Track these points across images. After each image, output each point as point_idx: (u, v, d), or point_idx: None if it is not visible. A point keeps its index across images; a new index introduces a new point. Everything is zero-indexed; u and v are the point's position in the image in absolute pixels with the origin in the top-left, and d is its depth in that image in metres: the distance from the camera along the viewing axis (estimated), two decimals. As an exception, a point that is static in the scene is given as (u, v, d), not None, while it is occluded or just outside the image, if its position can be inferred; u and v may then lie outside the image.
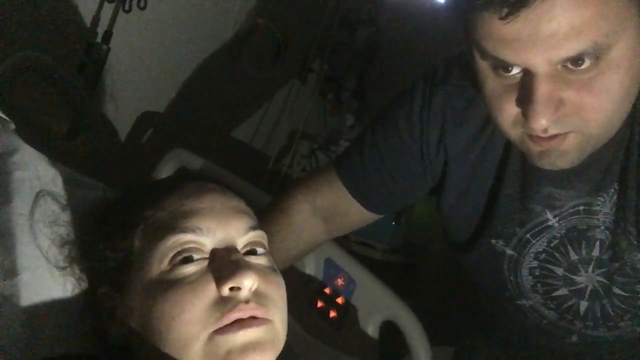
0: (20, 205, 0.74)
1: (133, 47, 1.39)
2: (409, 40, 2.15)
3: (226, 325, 0.60)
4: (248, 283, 0.62)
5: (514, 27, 0.60)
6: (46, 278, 0.72)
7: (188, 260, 0.64)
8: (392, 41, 2.26)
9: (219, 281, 0.62)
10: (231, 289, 0.62)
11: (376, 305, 0.96)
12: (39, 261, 0.72)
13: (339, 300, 0.97)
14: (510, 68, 0.65)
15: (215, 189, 0.71)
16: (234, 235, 0.67)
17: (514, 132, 0.70)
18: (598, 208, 0.78)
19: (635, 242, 0.76)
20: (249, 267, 0.63)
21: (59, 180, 0.80)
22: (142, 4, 1.31)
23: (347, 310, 0.97)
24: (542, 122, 0.64)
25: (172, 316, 0.61)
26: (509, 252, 0.84)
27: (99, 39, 1.25)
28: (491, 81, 0.68)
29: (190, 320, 0.60)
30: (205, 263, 0.64)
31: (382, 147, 0.90)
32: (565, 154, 0.69)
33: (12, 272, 0.70)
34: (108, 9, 1.25)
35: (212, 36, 1.71)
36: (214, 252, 0.65)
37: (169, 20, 1.48)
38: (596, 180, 0.77)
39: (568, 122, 0.65)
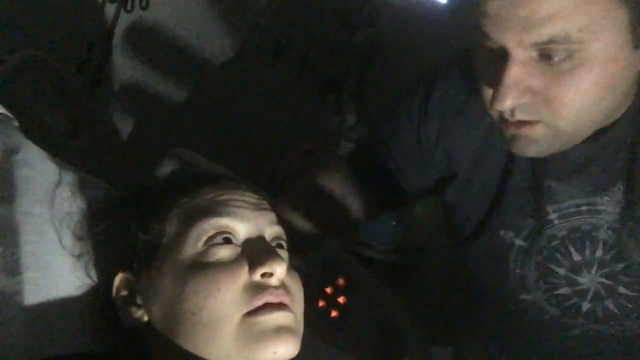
0: (25, 203, 0.74)
1: (134, 46, 1.39)
2: (409, 40, 2.16)
3: (258, 308, 0.63)
4: (280, 270, 0.65)
5: (495, 3, 0.62)
6: (51, 276, 0.72)
7: (223, 242, 0.66)
8: (392, 42, 2.26)
9: (253, 266, 0.64)
10: (262, 274, 0.64)
11: (375, 305, 0.96)
12: (44, 259, 0.72)
13: (340, 299, 0.97)
14: (495, 47, 0.67)
15: (247, 186, 0.75)
16: (264, 226, 0.70)
17: (492, 113, 0.71)
18: (602, 207, 0.77)
19: None
20: (280, 256, 0.66)
21: (63, 179, 0.80)
22: (143, 4, 1.32)
23: (348, 310, 0.97)
24: (503, 103, 0.65)
25: (206, 295, 0.62)
26: (519, 243, 0.84)
27: (100, 39, 1.25)
28: (480, 59, 0.70)
29: (224, 299, 0.62)
30: (239, 248, 0.67)
31: (387, 143, 0.91)
32: (535, 142, 0.69)
33: (15, 270, 0.70)
34: (110, 9, 1.25)
35: (212, 36, 1.71)
36: (247, 239, 0.68)
37: (171, 20, 1.49)
38: (598, 179, 0.77)
39: (536, 111, 0.66)
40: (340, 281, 0.98)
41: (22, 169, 0.77)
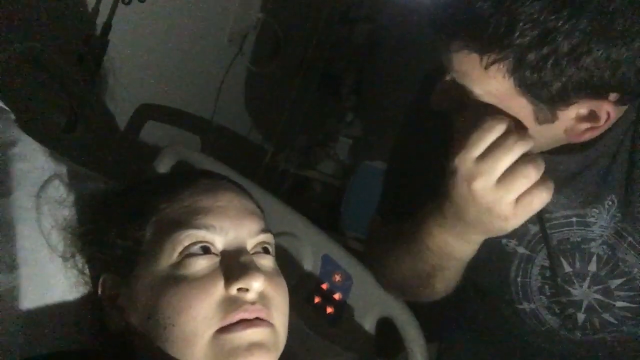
0: (21, 197, 0.74)
1: (132, 39, 1.38)
2: (408, 36, 2.15)
3: (231, 325, 0.61)
4: (257, 285, 0.62)
5: None
6: (47, 271, 0.72)
7: (198, 255, 0.64)
8: (392, 37, 2.26)
9: (228, 280, 0.62)
10: (239, 289, 0.62)
11: (373, 302, 0.96)
12: (40, 254, 0.72)
13: (336, 296, 0.97)
14: None
15: (230, 187, 0.72)
16: (245, 236, 0.67)
17: None
18: (593, 220, 0.77)
19: None
20: (259, 269, 0.64)
21: (60, 172, 0.80)
22: (141, -3, 1.31)
23: (344, 307, 0.97)
24: None
25: (178, 311, 0.61)
26: (521, 251, 0.83)
27: (98, 31, 1.25)
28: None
29: (196, 316, 0.61)
30: (215, 260, 0.64)
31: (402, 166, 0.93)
32: None
33: (12, 265, 0.69)
34: (108, 1, 1.25)
35: (211, 30, 1.71)
36: (225, 251, 0.65)
37: (169, 14, 1.48)
38: (590, 191, 0.76)
39: None
40: (337, 277, 0.98)
41: (19, 163, 0.76)
